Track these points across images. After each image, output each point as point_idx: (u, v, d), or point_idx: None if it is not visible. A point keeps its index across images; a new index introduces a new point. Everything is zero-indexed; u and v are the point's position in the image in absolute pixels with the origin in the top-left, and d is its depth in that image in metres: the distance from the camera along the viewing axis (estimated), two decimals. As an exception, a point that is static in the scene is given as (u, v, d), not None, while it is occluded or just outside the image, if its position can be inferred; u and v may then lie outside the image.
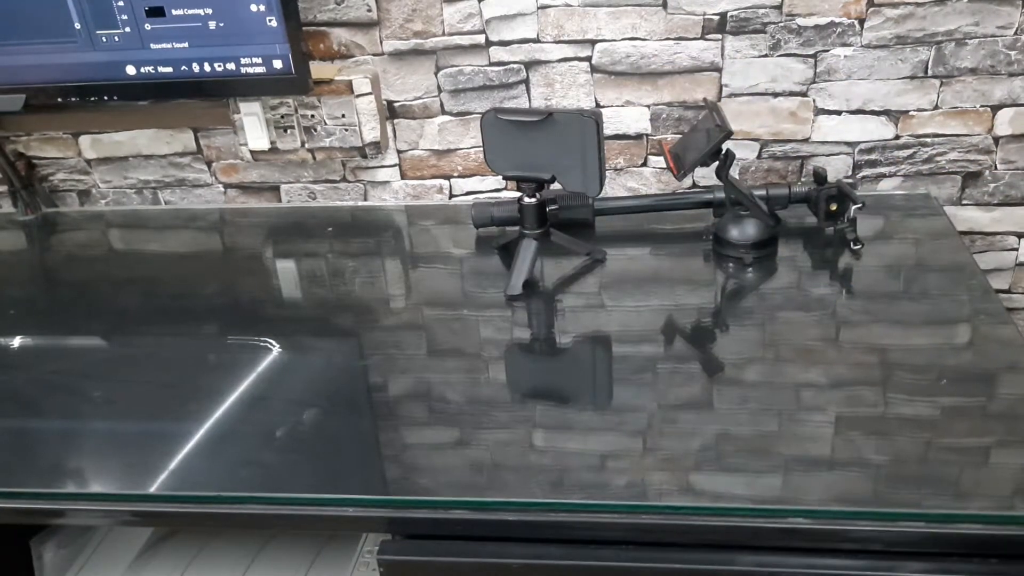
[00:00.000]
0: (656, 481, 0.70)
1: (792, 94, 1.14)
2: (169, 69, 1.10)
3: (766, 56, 1.12)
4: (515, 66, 1.17)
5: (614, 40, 1.13)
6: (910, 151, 1.16)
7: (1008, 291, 1.24)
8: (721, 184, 1.04)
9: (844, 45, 1.10)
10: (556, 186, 0.98)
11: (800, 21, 1.09)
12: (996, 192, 1.17)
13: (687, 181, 1.21)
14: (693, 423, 0.77)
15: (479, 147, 1.23)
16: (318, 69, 1.18)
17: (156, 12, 1.06)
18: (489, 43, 1.16)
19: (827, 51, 1.11)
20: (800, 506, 0.67)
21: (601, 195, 1.00)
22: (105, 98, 1.13)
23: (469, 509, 0.70)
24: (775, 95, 1.14)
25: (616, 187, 1.24)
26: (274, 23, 1.06)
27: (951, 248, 1.02)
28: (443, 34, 1.16)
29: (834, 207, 1.04)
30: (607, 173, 1.21)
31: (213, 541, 1.10)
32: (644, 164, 1.22)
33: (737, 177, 1.19)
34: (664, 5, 1.11)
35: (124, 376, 0.91)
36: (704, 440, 0.75)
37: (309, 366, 0.90)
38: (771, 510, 0.67)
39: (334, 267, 1.11)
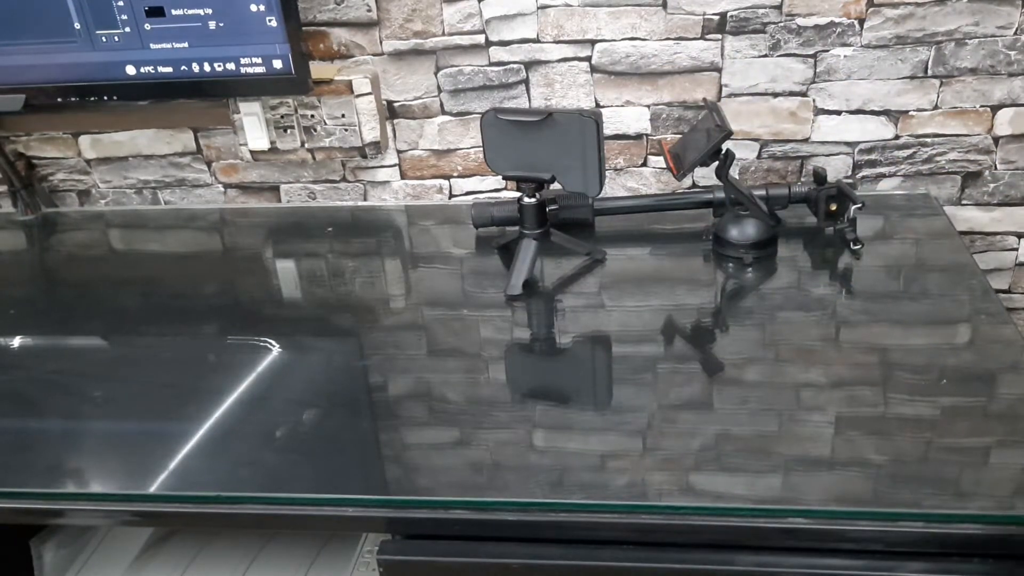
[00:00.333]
0: (656, 481, 0.70)
1: (792, 94, 1.14)
2: (169, 69, 1.10)
3: (766, 56, 1.12)
4: (515, 66, 1.17)
5: (614, 40, 1.13)
6: (910, 151, 1.16)
7: (1008, 291, 1.24)
8: (721, 184, 1.04)
9: (844, 45, 1.10)
10: (556, 186, 0.98)
11: (800, 21, 1.09)
12: (996, 192, 1.17)
13: (687, 181, 1.21)
14: (693, 423, 0.77)
15: (479, 147, 1.23)
16: (318, 69, 1.18)
17: (156, 12, 1.06)
18: (489, 43, 1.16)
19: (827, 51, 1.11)
20: (800, 506, 0.67)
21: (601, 195, 1.00)
22: (105, 98, 1.13)
23: (469, 509, 0.70)
24: (775, 95, 1.14)
25: (616, 187, 1.24)
26: (274, 23, 1.06)
27: (951, 248, 1.02)
28: (443, 34, 1.16)
29: (834, 207, 1.04)
30: (607, 173, 1.21)
31: (213, 541, 1.10)
32: (644, 164, 1.22)
33: (737, 177, 1.19)
34: (664, 5, 1.11)
35: (124, 376, 0.91)
36: (704, 440, 0.75)
37: (309, 366, 0.90)
38: (771, 510, 0.67)
39: (334, 267, 1.11)
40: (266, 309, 1.02)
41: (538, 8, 1.13)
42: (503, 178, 1.15)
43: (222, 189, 1.33)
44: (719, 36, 1.12)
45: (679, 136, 1.19)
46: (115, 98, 1.14)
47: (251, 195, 1.33)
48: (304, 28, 1.17)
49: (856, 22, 1.09)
